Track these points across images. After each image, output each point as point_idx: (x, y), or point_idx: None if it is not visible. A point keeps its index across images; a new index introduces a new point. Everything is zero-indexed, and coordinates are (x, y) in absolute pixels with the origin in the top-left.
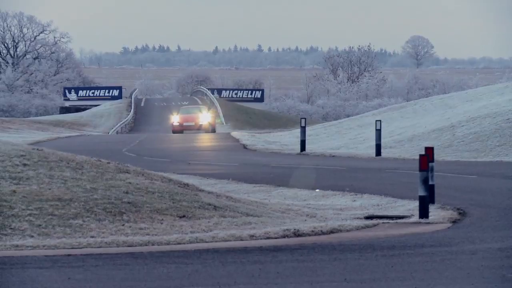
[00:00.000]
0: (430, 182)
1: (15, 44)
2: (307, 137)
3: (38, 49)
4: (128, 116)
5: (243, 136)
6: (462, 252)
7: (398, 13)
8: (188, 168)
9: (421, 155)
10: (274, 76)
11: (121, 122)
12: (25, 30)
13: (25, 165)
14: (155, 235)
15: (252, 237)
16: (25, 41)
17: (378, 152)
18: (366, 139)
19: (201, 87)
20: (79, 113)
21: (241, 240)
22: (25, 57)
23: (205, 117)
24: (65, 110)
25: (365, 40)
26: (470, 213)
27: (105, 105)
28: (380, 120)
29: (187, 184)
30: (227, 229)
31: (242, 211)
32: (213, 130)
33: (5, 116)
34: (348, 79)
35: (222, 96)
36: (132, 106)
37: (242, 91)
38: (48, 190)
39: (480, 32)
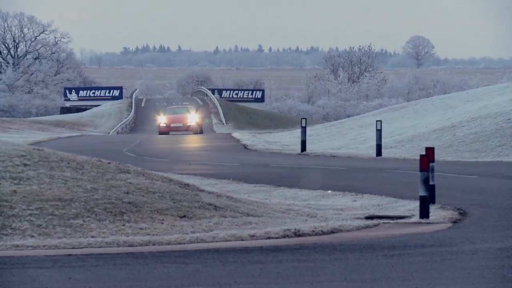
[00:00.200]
0: (431, 182)
1: (15, 44)
2: (307, 137)
3: (39, 49)
4: (129, 117)
5: (244, 136)
6: (463, 252)
7: (398, 13)
8: (188, 168)
9: (421, 155)
10: (275, 76)
11: (122, 122)
12: (25, 30)
13: (25, 165)
14: (156, 235)
15: (252, 237)
16: (25, 41)
17: (379, 152)
18: (367, 139)
19: (202, 87)
20: (80, 113)
21: (242, 240)
22: (25, 57)
23: (193, 117)
24: (65, 110)
25: (366, 40)
26: (471, 213)
27: (106, 105)
28: (381, 120)
29: (188, 184)
30: (227, 229)
31: (243, 211)
32: (201, 131)
33: (5, 116)
34: (348, 79)
35: (222, 96)
36: (133, 106)
37: (242, 91)
38: (49, 190)
39: (481, 32)
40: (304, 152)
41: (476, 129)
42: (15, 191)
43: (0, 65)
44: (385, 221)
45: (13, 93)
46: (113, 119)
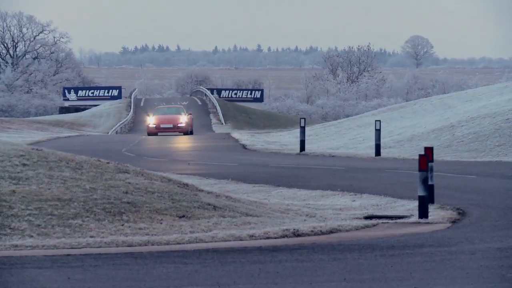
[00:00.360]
0: (430, 182)
1: (14, 44)
2: (306, 137)
3: (38, 49)
4: (128, 116)
5: (243, 136)
6: (462, 252)
7: (397, 13)
8: (187, 168)
9: (420, 155)
10: (274, 76)
11: (121, 122)
12: (24, 30)
13: (24, 165)
14: (155, 235)
15: (251, 237)
16: (24, 41)
17: (378, 152)
18: (366, 139)
19: (201, 87)
20: (79, 113)
21: (241, 240)
22: (24, 57)
23: (183, 118)
24: (64, 110)
25: (365, 40)
26: (470, 213)
27: (105, 105)
28: (380, 120)
29: (187, 184)
30: (226, 229)
31: (242, 211)
32: (191, 132)
33: (4, 116)
34: (347, 79)
35: (221, 96)
36: (132, 106)
37: (241, 91)
38: (48, 190)
39: (480, 32)
40: (303, 152)
41: (475, 129)
42: (14, 191)
43: None
44: (384, 221)
45: (12, 93)
46: (112, 119)
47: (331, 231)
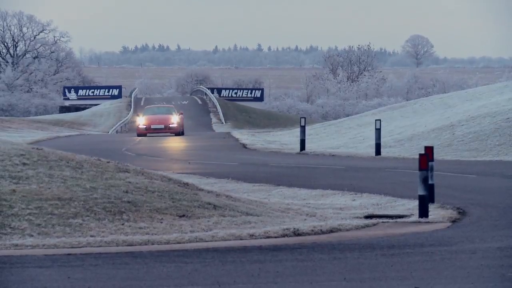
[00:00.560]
0: (430, 182)
1: (15, 43)
2: (306, 137)
3: (38, 48)
4: (128, 116)
5: (243, 135)
6: (462, 252)
7: (397, 13)
8: (187, 167)
9: (420, 155)
10: (274, 76)
11: (121, 122)
12: (24, 29)
13: (24, 164)
14: (155, 234)
15: (251, 236)
16: (24, 41)
17: (378, 151)
18: (366, 138)
19: (201, 86)
20: (79, 112)
21: (241, 239)
22: (24, 57)
23: (174, 118)
24: (64, 109)
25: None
26: (470, 212)
27: (105, 105)
28: (380, 120)
29: (187, 183)
30: (226, 228)
31: (242, 211)
32: (182, 133)
33: (4, 116)
34: (347, 79)
35: (222, 95)
36: (132, 106)
37: (242, 91)
38: (48, 190)
39: (480, 31)
40: (303, 151)
41: (475, 128)
42: (14, 190)
43: None
44: (384, 220)
45: (12, 92)
46: (112, 118)
47: (331, 231)
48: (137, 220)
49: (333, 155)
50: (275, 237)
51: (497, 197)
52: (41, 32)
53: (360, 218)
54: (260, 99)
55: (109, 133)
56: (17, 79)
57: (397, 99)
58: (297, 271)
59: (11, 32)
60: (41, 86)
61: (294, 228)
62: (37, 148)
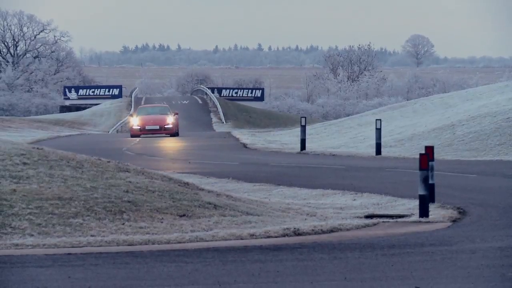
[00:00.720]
0: (430, 181)
1: (15, 43)
2: (307, 136)
3: (38, 48)
4: (128, 115)
5: (243, 135)
6: (462, 251)
7: (398, 12)
8: (188, 167)
9: (421, 154)
10: (274, 75)
11: (121, 121)
12: (25, 29)
13: (25, 164)
14: (155, 234)
15: (252, 236)
16: (25, 40)
17: (378, 151)
18: (366, 138)
19: (201, 86)
20: (79, 112)
21: (241, 239)
22: (25, 56)
23: (170, 118)
24: (65, 109)
25: (365, 39)
26: (470, 212)
27: (105, 104)
28: (380, 119)
29: (187, 183)
30: (227, 228)
31: (242, 210)
32: (177, 133)
33: (5, 115)
34: (348, 78)
35: (222, 95)
36: (132, 105)
37: (242, 90)
38: (48, 189)
39: (480, 31)
40: (303, 151)
41: (476, 128)
42: (14, 190)
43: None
44: (385, 220)
45: (12, 92)
46: (113, 118)
47: (331, 230)
48: (138, 220)
49: (333, 155)
50: (276, 237)
51: (498, 196)
52: (41, 31)
53: (361, 217)
54: (261, 98)
55: (109, 132)
56: (18, 78)
57: (397, 98)
58: (298, 271)
59: (12, 31)
60: (41, 85)
61: (295, 228)
62: (37, 148)
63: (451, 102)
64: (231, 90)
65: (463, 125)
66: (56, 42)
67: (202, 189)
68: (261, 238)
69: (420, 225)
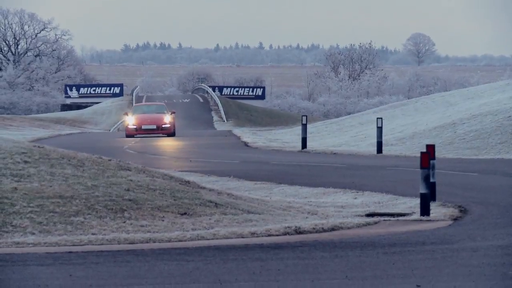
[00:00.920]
0: (431, 180)
1: (16, 41)
2: (308, 135)
3: (39, 46)
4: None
5: (244, 133)
6: (463, 250)
7: (399, 11)
8: (189, 165)
9: (422, 153)
10: (275, 74)
11: (122, 120)
12: (26, 27)
13: (26, 162)
14: (156, 232)
15: (253, 234)
16: (26, 39)
17: (379, 149)
18: (367, 136)
19: (202, 84)
20: (80, 110)
21: (242, 237)
22: (26, 55)
23: (167, 118)
24: (66, 107)
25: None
26: (471, 210)
27: (106, 103)
28: (381, 118)
29: (188, 181)
30: (228, 226)
31: (243, 209)
32: (174, 134)
33: (6, 114)
34: (349, 77)
35: (223, 93)
36: (133, 104)
37: (243, 89)
38: (49, 187)
39: (482, 29)
40: (304, 150)
41: (477, 127)
42: (15, 188)
43: (0, 62)
44: (386, 218)
45: (13, 90)
46: (114, 116)
47: (333, 229)
48: (139, 218)
49: (334, 153)
50: (277, 235)
51: (499, 195)
52: (42, 30)
53: (362, 216)
54: (262, 97)
55: (110, 131)
56: (19, 77)
57: (398, 97)
58: (299, 269)
59: (13, 30)
60: (42, 84)
61: (296, 226)
62: (38, 146)
63: (452, 101)
64: (232, 89)
65: (464, 123)
66: (57, 40)
67: (203, 188)
68: (262, 236)
69: (421, 223)
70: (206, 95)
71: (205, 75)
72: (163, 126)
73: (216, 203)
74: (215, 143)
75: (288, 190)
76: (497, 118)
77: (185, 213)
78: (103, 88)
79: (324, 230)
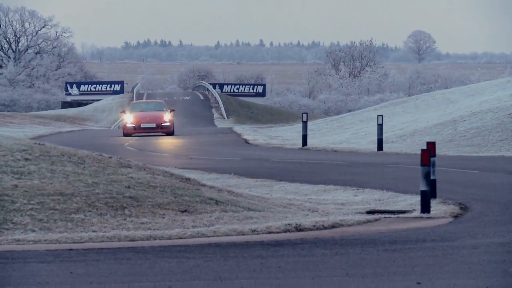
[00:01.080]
0: (432, 177)
1: (16, 38)
2: (308, 132)
3: (40, 43)
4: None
5: (245, 130)
6: (464, 247)
7: (400, 8)
8: (189, 162)
9: (422, 150)
10: (276, 71)
11: (121, 118)
12: (26, 24)
13: (26, 159)
14: (157, 229)
15: (253, 231)
16: (26, 36)
17: (380, 147)
18: (368, 133)
19: (203, 81)
20: (81, 107)
21: (243, 234)
22: (26, 52)
23: (167, 116)
24: (67, 104)
25: (367, 35)
26: (472, 207)
27: (107, 100)
28: (382, 115)
29: (189, 179)
30: (228, 224)
31: (244, 206)
32: (173, 132)
33: (7, 111)
34: (349, 74)
35: (223, 91)
36: (135, 101)
37: (244, 86)
38: (50, 185)
39: (482, 27)
40: (305, 147)
41: (478, 124)
42: (16, 186)
43: (1, 60)
44: (386, 215)
45: (14, 88)
46: (114, 113)
47: (333, 226)
48: (139, 216)
49: (335, 151)
50: (277, 233)
51: (499, 192)
52: (43, 27)
53: (362, 213)
54: (262, 94)
55: (111, 128)
56: (19, 74)
57: (399, 94)
58: (299, 266)
59: (13, 27)
60: (43, 81)
61: (296, 224)
62: (39, 144)
63: (453, 98)
64: (233, 86)
65: (464, 121)
66: (57, 37)
67: (204, 185)
68: (263, 233)
69: (421, 220)
70: (206, 92)
71: (205, 73)
72: (162, 124)
73: (216, 201)
74: (216, 140)
75: (289, 188)
76: (498, 115)
77: (185, 211)
78: (103, 85)
79: (324, 228)
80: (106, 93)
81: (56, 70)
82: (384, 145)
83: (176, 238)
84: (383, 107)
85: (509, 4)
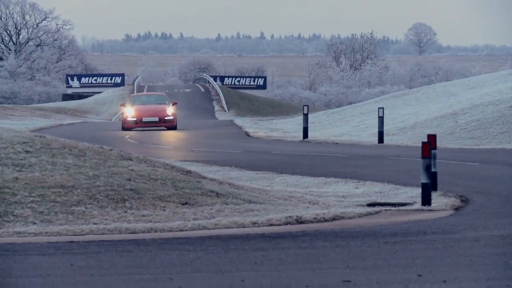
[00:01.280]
0: (433, 169)
1: (17, 31)
2: (309, 124)
3: (41, 36)
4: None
5: (246, 123)
6: (465, 239)
7: (400, 0)
8: (190, 155)
9: (423, 142)
10: (277, 63)
11: (121, 111)
12: (27, 17)
13: (27, 152)
14: (158, 222)
15: (254, 224)
16: (27, 28)
17: (381, 139)
18: (369, 126)
19: (204, 74)
20: (82, 100)
21: (244, 227)
22: (27, 44)
23: (169, 109)
24: (67, 97)
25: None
26: (473, 200)
27: (108, 92)
28: (383, 108)
29: (190, 171)
30: (229, 216)
31: (245, 198)
32: (176, 127)
33: (7, 103)
34: (350, 67)
35: (224, 83)
36: (135, 93)
37: (244, 78)
38: (51, 177)
39: (483, 19)
40: (306, 139)
41: (478, 116)
42: (17, 178)
43: (2, 52)
44: (387, 208)
45: (15, 80)
46: (115, 106)
47: (334, 218)
48: (140, 208)
49: (336, 143)
50: (278, 225)
51: (500, 185)
52: (43, 20)
53: (363, 206)
54: (263, 87)
55: (111, 121)
56: (20, 66)
57: (400, 87)
58: (300, 259)
59: (14, 20)
60: (44, 74)
61: (297, 216)
62: (40, 136)
63: (454, 91)
64: (234, 79)
65: (465, 113)
66: (58, 30)
67: (205, 177)
68: (264, 226)
69: (422, 213)
70: (207, 85)
71: (206, 65)
72: (165, 118)
73: (217, 193)
74: (217, 133)
75: (290, 180)
76: (499, 108)
77: (186, 203)
78: (104, 78)
79: (325, 220)
80: (106, 85)
81: (57, 62)
82: (385, 137)
83: (177, 231)
84: (384, 99)
85: None
